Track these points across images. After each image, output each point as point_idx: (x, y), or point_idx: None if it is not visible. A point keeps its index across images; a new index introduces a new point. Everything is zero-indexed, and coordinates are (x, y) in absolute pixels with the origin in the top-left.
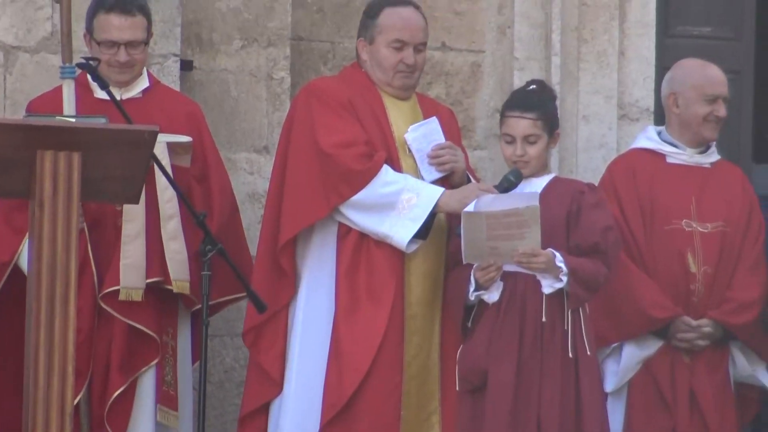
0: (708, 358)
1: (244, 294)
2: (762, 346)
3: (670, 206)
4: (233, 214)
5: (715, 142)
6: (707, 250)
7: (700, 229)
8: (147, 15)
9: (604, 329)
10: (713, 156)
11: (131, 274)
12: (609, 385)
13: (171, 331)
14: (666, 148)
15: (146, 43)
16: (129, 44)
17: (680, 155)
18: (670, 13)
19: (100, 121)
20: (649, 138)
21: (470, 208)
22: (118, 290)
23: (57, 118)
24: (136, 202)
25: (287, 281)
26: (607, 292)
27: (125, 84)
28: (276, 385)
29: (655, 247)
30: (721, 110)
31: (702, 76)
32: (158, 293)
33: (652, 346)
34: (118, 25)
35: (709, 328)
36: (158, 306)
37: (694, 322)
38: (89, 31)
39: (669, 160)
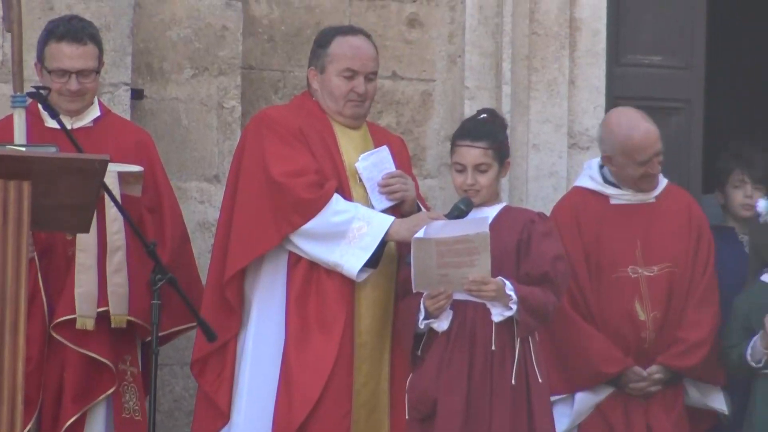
0: (662, 397)
1: (194, 324)
2: (714, 376)
3: (615, 253)
4: (184, 243)
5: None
6: (654, 294)
7: (647, 274)
8: (98, 44)
9: (554, 381)
10: (659, 187)
11: (85, 303)
12: (560, 428)
13: (129, 358)
14: (608, 190)
15: (97, 71)
16: (80, 73)
17: (623, 195)
18: (620, 43)
19: (50, 150)
20: (592, 178)
21: (420, 234)
22: (70, 319)
23: (7, 147)
24: (87, 230)
25: (234, 313)
26: (556, 346)
27: (76, 113)
28: (223, 416)
29: (602, 298)
30: (655, 167)
31: (630, 145)
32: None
33: (605, 392)
34: (69, 54)
35: (659, 375)
36: (113, 334)
37: (644, 372)
38: (40, 59)
39: (612, 201)
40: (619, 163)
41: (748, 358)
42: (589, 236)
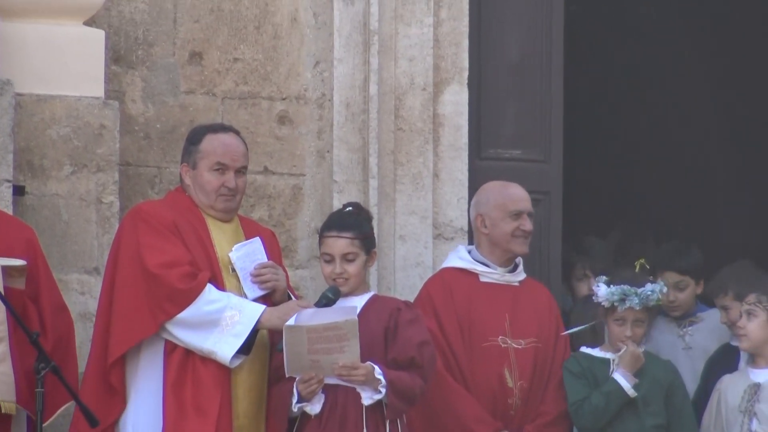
0: None
1: (72, 401)
2: None
3: (486, 323)
4: (69, 333)
5: (521, 263)
6: (522, 365)
7: (515, 345)
8: None
9: None
10: (521, 275)
11: None
12: None
13: None
14: (478, 268)
15: None
16: None
17: (492, 274)
18: (481, 137)
19: None
20: (461, 258)
21: (291, 321)
22: None
23: None
24: None
25: (118, 398)
26: (429, 408)
27: None
28: None
29: (474, 364)
30: (527, 224)
31: (504, 196)
32: None
33: None
34: None
35: None
36: None
37: None
38: None
39: (482, 278)
40: (493, 219)
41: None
42: (462, 307)
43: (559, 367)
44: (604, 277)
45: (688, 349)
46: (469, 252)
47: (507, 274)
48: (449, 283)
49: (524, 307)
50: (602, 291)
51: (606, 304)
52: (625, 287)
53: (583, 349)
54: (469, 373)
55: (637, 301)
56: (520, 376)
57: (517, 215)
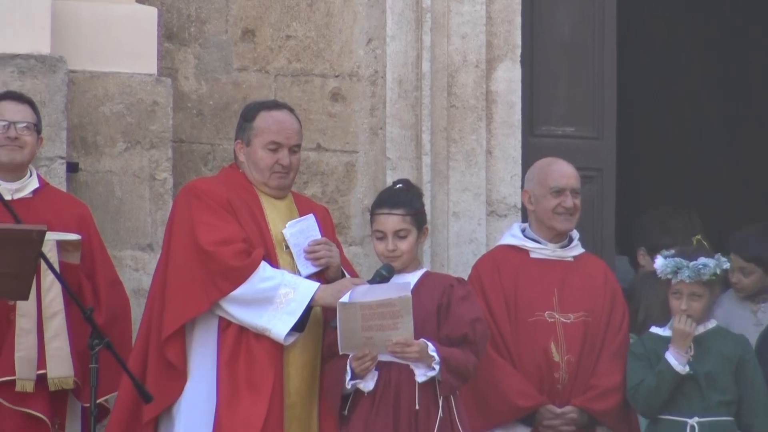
0: None
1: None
2: (627, 429)
3: (532, 299)
4: (125, 309)
5: (578, 237)
6: (570, 339)
7: (563, 320)
8: (36, 111)
9: (473, 419)
10: (576, 249)
11: (24, 366)
12: None
13: (58, 422)
14: (529, 244)
15: (37, 131)
16: (19, 124)
17: (543, 250)
18: (534, 114)
19: None
20: (513, 235)
21: (345, 298)
22: (10, 381)
23: None
24: (26, 298)
25: (176, 373)
26: (474, 383)
27: (13, 174)
28: None
29: (520, 339)
30: (568, 201)
31: (547, 172)
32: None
33: None
34: (9, 108)
35: (574, 415)
36: (51, 396)
37: (558, 410)
38: None
39: (532, 255)
40: (536, 195)
41: (673, 363)
42: (509, 283)
43: (612, 340)
44: (671, 251)
45: (758, 325)
46: (524, 230)
47: (558, 249)
48: (498, 261)
49: (575, 281)
50: (659, 262)
51: (662, 276)
52: (678, 259)
53: (653, 329)
54: (515, 348)
55: (687, 274)
56: (567, 350)
57: (559, 192)
